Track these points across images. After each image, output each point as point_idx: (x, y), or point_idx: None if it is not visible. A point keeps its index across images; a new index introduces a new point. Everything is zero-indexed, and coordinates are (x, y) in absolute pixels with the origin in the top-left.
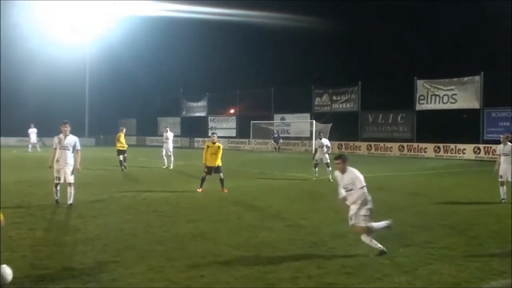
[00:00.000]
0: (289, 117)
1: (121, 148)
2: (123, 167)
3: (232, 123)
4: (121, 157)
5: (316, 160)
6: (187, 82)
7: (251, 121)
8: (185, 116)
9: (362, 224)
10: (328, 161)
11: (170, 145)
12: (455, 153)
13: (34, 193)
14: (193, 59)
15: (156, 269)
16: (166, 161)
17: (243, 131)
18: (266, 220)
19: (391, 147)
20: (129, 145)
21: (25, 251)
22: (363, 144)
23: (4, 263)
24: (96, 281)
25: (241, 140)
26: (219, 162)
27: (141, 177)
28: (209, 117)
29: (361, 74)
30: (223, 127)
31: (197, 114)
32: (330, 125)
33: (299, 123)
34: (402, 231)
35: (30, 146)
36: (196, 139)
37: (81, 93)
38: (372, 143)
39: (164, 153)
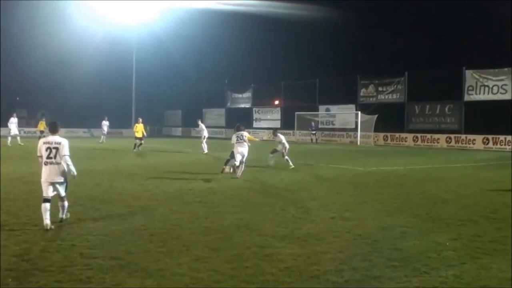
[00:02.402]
0: (334, 108)
1: (138, 136)
2: (135, 149)
3: (276, 114)
4: (137, 141)
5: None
6: (232, 73)
7: (296, 112)
8: (230, 107)
9: None
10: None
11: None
12: (505, 144)
13: (84, 183)
14: (238, 51)
15: (202, 259)
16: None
17: (287, 123)
18: (311, 212)
19: (438, 139)
20: (175, 136)
21: (74, 240)
22: (410, 136)
23: (53, 252)
24: (143, 271)
25: (285, 131)
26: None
27: (186, 168)
28: (254, 108)
29: (408, 64)
30: (268, 118)
31: (242, 106)
32: (375, 116)
33: (344, 115)
34: (450, 224)
35: (102, 137)
36: None
37: (128, 85)
38: (419, 135)
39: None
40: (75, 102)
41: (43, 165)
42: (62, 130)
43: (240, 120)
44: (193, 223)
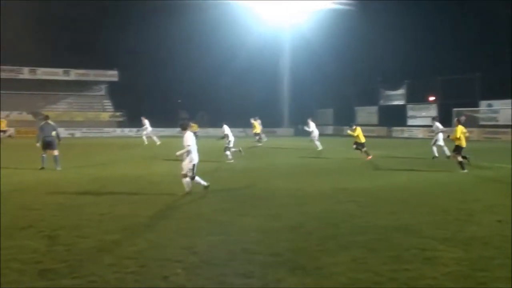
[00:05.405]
0: (498, 104)
1: (257, 132)
2: (260, 143)
3: (432, 111)
4: (257, 137)
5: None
6: (385, 70)
7: (453, 109)
8: (383, 104)
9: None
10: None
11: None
12: None
13: (241, 181)
14: (391, 47)
15: (359, 260)
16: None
17: (444, 119)
18: (475, 214)
19: None
20: (326, 135)
21: (237, 235)
22: None
23: (217, 246)
24: (302, 268)
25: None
26: None
27: (339, 167)
28: (408, 105)
29: None
30: (422, 115)
31: (395, 103)
32: None
33: (509, 110)
34: None
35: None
36: (394, 128)
37: (280, 85)
38: None
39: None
40: (230, 102)
41: (194, 152)
42: (220, 130)
43: (393, 117)
44: (348, 222)
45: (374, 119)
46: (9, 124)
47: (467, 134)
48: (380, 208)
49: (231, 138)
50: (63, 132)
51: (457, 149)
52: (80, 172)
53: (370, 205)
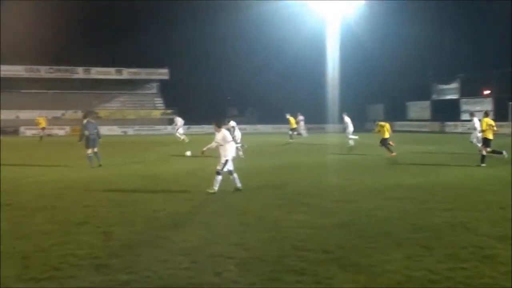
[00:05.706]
0: None
1: (293, 127)
2: (293, 139)
3: (487, 105)
4: (294, 132)
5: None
6: (437, 64)
7: (509, 102)
8: (435, 99)
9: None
10: None
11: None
12: None
13: (289, 177)
14: (443, 40)
15: (414, 258)
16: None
17: (500, 113)
18: None
19: None
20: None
21: (287, 232)
22: None
23: (267, 243)
24: (354, 266)
25: (498, 123)
26: None
27: (389, 164)
28: (461, 100)
29: None
30: (477, 109)
31: (448, 97)
32: None
33: None
34: None
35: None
36: (447, 123)
37: (329, 80)
38: None
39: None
40: (279, 98)
41: (231, 147)
42: (269, 126)
43: (446, 112)
44: (401, 219)
45: (427, 114)
46: (64, 123)
47: (494, 128)
48: (435, 204)
49: (237, 133)
50: (116, 129)
51: (484, 142)
52: (132, 169)
53: (424, 201)
